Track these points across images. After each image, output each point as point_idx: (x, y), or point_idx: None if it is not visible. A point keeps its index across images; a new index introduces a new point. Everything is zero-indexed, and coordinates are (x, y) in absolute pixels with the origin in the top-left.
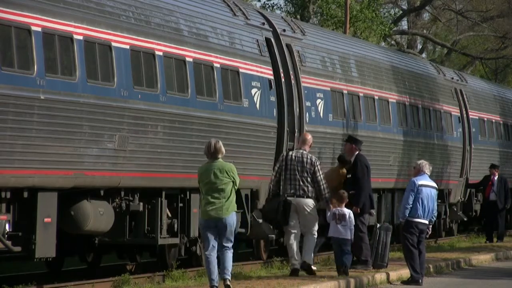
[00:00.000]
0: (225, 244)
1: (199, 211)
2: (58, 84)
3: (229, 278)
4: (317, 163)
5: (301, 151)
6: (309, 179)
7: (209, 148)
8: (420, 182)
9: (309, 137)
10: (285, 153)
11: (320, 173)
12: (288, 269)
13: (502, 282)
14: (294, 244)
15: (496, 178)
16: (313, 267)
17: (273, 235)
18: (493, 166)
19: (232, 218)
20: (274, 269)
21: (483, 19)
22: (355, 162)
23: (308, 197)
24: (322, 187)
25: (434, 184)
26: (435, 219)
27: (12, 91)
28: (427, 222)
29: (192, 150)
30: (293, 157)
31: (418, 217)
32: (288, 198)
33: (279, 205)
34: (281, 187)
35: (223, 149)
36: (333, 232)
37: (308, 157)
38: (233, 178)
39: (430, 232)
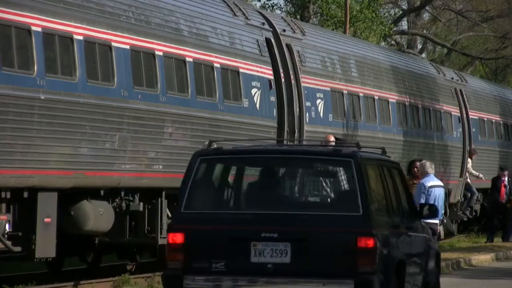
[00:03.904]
0: None
1: None
2: (58, 84)
3: None
4: None
5: None
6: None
7: None
8: (429, 184)
9: (332, 138)
10: None
11: None
12: None
13: (502, 282)
14: None
15: (506, 179)
16: None
17: None
18: (502, 169)
19: None
20: None
21: (483, 19)
22: None
23: None
24: None
25: (442, 183)
26: (442, 217)
27: (12, 91)
28: (438, 222)
29: (192, 150)
30: None
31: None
32: None
33: None
34: None
35: None
36: None
37: None
38: None
39: (438, 231)
